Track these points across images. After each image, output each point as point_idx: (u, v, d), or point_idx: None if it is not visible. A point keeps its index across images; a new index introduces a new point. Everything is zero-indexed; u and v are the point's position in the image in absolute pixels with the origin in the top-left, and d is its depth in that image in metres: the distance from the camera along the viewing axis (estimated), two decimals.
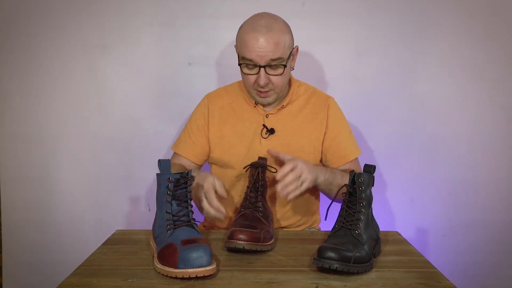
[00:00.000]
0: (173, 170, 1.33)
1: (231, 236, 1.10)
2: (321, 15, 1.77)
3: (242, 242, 1.08)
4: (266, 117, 1.43)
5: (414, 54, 1.78)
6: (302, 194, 1.44)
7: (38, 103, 1.81)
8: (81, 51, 1.79)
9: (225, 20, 1.77)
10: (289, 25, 1.36)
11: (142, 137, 1.83)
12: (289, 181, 1.20)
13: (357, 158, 1.48)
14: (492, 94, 1.80)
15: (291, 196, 1.21)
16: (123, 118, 1.82)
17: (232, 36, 1.75)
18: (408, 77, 1.79)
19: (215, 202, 1.19)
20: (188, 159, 1.47)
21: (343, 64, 1.80)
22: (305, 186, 1.23)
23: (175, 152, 1.50)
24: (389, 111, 1.81)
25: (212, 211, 1.19)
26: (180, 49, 1.79)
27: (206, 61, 1.80)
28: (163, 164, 1.08)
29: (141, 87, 1.81)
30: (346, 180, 1.36)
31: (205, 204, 1.19)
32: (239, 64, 1.36)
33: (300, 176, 1.22)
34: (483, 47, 1.78)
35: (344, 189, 1.36)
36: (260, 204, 1.23)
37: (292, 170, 1.21)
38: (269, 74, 1.33)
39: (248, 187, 1.27)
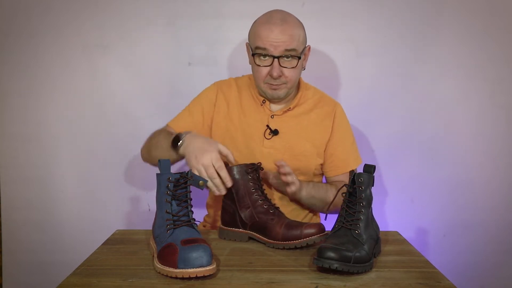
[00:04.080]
0: (161, 135, 1.35)
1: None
2: (321, 15, 1.77)
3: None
4: (271, 117, 1.42)
5: (414, 54, 1.78)
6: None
7: (38, 103, 1.81)
8: (81, 51, 1.79)
9: (225, 20, 1.76)
10: None
11: (142, 137, 1.82)
12: (288, 172, 1.25)
13: (356, 169, 1.46)
14: (492, 94, 1.80)
15: (288, 179, 1.24)
16: (123, 118, 1.82)
17: (232, 36, 1.75)
18: (408, 77, 1.79)
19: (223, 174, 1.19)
20: None
21: (343, 64, 1.80)
22: (294, 187, 1.27)
23: (168, 125, 1.47)
24: (389, 111, 1.80)
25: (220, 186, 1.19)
26: (180, 49, 1.79)
27: (206, 61, 1.80)
28: (163, 164, 1.08)
29: (141, 87, 1.81)
30: (330, 194, 1.37)
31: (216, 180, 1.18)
32: (252, 55, 1.34)
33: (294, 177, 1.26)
34: (483, 47, 1.78)
35: (326, 198, 1.35)
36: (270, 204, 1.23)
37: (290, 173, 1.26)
38: (283, 66, 1.32)
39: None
